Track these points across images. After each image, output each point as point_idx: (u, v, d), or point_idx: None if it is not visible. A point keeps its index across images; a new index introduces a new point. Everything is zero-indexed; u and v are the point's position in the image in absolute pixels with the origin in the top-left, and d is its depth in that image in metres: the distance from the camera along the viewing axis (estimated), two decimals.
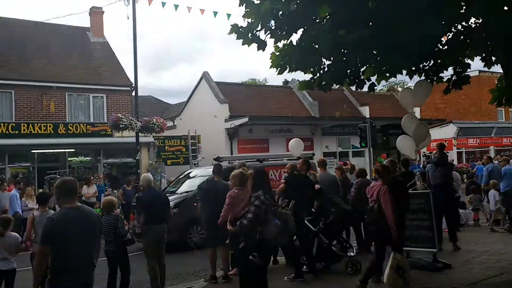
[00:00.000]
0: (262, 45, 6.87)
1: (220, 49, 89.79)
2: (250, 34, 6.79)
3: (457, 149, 32.22)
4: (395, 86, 36.20)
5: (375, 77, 7.46)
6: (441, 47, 7.15)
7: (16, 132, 17.14)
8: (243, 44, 6.83)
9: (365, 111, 26.68)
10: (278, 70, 7.05)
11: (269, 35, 6.77)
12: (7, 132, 16.95)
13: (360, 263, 7.40)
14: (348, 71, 7.26)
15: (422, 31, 6.15)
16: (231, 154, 19.87)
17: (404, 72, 7.55)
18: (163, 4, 16.00)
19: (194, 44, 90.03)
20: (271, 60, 7.07)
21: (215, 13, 15.88)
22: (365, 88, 7.71)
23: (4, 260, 6.25)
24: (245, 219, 5.27)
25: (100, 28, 23.31)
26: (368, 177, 10.16)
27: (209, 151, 20.46)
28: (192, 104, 24.52)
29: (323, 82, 7.19)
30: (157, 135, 18.87)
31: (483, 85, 40.59)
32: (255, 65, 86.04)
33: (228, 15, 15.28)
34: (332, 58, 6.91)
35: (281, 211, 5.35)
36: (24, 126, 17.36)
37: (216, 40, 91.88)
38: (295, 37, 6.80)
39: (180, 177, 13.44)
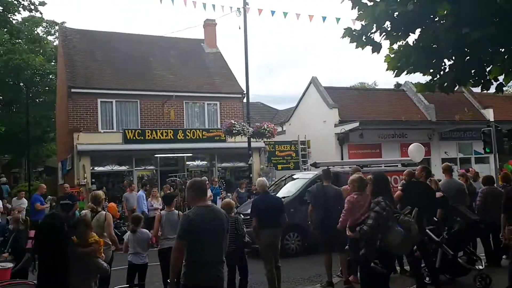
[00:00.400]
0: (376, 48, 6.69)
1: (328, 55, 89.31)
2: (364, 37, 6.66)
3: None
4: None
5: (503, 76, 6.87)
6: None
7: (142, 138, 18.70)
8: (356, 47, 6.72)
9: (489, 114, 24.55)
10: (395, 72, 6.84)
11: (384, 37, 6.58)
12: (134, 138, 18.57)
13: (490, 277, 6.81)
14: (472, 71, 6.76)
15: None
16: (342, 159, 19.57)
17: None
18: (272, 12, 16.43)
19: (303, 50, 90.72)
20: (386, 63, 6.87)
21: (324, 18, 15.86)
22: (492, 89, 7.11)
23: (137, 254, 6.82)
24: (366, 225, 5.14)
25: (213, 39, 24.55)
26: (495, 185, 9.35)
27: (319, 156, 20.35)
28: (301, 109, 24.64)
29: (445, 84, 6.79)
30: (268, 140, 19.29)
31: None
32: (363, 69, 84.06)
33: (338, 19, 15.19)
34: (454, 58, 6.50)
35: (403, 218, 5.11)
36: (148, 132, 18.88)
37: (325, 45, 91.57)
38: (411, 38, 6.53)
39: (280, 180, 13.52)
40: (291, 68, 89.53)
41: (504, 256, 8.41)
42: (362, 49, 6.80)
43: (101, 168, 18.59)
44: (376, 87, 41.70)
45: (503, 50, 6.30)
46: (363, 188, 5.51)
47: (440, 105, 23.56)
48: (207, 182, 16.04)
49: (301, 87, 25.07)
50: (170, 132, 19.19)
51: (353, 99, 23.61)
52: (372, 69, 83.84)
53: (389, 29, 6.46)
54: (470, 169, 17.10)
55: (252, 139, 17.20)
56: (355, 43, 6.74)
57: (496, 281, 6.76)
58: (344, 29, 6.69)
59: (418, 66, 6.44)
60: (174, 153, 19.40)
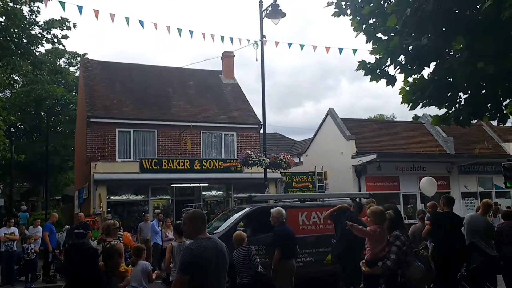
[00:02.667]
0: (391, 81, 6.71)
1: (346, 86, 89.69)
2: (378, 70, 6.70)
3: None
4: None
5: None
6: None
7: (158, 167, 18.80)
8: (371, 80, 6.75)
9: (509, 147, 24.12)
10: (410, 105, 6.81)
11: (399, 70, 6.59)
12: (150, 167, 18.68)
13: None
14: (488, 105, 6.68)
15: None
16: (359, 191, 19.30)
17: None
18: (289, 45, 16.62)
19: (320, 81, 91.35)
20: (401, 95, 6.86)
21: (341, 50, 15.96)
22: (509, 123, 7.01)
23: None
24: (388, 260, 5.02)
25: (231, 71, 24.93)
26: None
27: (336, 188, 20.19)
28: (318, 141, 24.60)
29: (460, 117, 6.72)
30: (284, 171, 19.20)
31: None
32: (382, 100, 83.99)
33: (354, 51, 15.27)
34: (469, 92, 6.45)
35: (423, 253, 4.99)
36: (165, 162, 18.98)
37: (342, 76, 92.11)
38: (426, 72, 6.52)
39: (226, 212, 12.66)
40: (310, 99, 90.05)
41: None
42: (377, 82, 6.83)
43: (117, 197, 18.68)
44: (394, 119, 41.44)
45: None
46: (383, 221, 5.38)
47: (459, 138, 23.28)
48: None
49: (319, 118, 25.12)
50: (187, 162, 19.27)
51: (371, 130, 23.50)
52: (390, 101, 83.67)
53: (403, 62, 6.48)
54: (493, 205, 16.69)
55: (268, 170, 17.13)
56: (369, 76, 6.79)
57: None
58: (359, 62, 6.75)
59: (433, 99, 6.42)
60: (190, 183, 19.42)
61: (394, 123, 25.67)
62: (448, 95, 6.53)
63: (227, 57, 24.81)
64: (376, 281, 5.14)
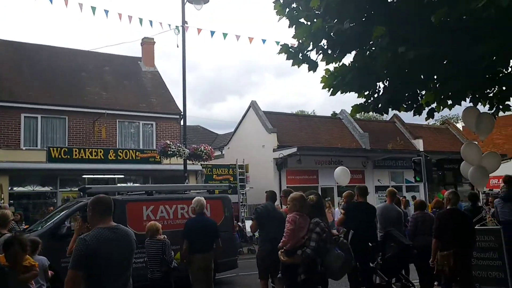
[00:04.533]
0: (313, 66, 6.55)
1: (270, 82, 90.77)
2: (300, 55, 6.50)
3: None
4: (450, 120, 34.68)
5: (435, 104, 6.94)
6: (506, 71, 6.54)
7: (68, 157, 17.47)
8: (293, 65, 6.54)
9: (419, 144, 25.60)
10: (330, 91, 6.70)
11: (321, 56, 6.45)
12: (59, 156, 17.29)
13: None
14: (406, 94, 6.77)
15: (491, 50, 5.61)
16: (280, 184, 19.39)
17: (468, 99, 6.95)
18: (212, 33, 16.14)
19: (244, 76, 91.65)
20: (322, 81, 6.73)
21: (264, 41, 15.82)
22: (424, 115, 7.14)
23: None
24: (308, 248, 4.78)
25: (151, 58, 23.91)
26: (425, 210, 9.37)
27: (258, 181, 20.13)
28: (240, 134, 24.43)
29: (379, 105, 6.74)
30: (205, 163, 18.75)
31: None
32: (303, 98, 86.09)
33: (277, 42, 15.14)
34: (388, 80, 6.46)
35: (342, 241, 4.81)
36: (76, 151, 17.68)
37: (267, 72, 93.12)
38: (348, 59, 6.44)
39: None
40: (234, 94, 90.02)
41: (436, 283, 8.37)
42: (298, 66, 6.65)
43: (21, 189, 17.11)
44: (314, 114, 42.40)
45: (436, 76, 6.34)
46: (305, 208, 5.13)
47: (374, 134, 24.29)
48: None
49: (242, 114, 24.90)
50: (101, 152, 18.11)
51: (292, 124, 23.74)
52: (311, 98, 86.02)
53: (325, 47, 6.33)
54: (402, 198, 17.48)
55: (188, 161, 16.59)
56: (291, 61, 6.58)
57: None
58: (281, 45, 6.49)
59: (353, 85, 6.33)
60: (104, 174, 18.30)
61: (314, 118, 26.20)
62: (368, 82, 6.49)
63: (147, 43, 23.74)
64: (294, 271, 4.90)
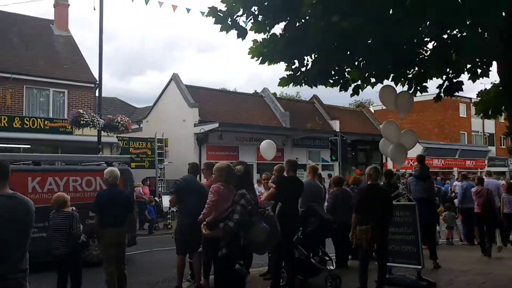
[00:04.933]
0: (242, 33, 6.25)
1: (192, 57, 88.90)
2: (229, 19, 6.18)
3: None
4: (364, 103, 36.28)
5: (359, 82, 7.03)
6: (425, 54, 6.77)
7: None
8: (221, 30, 6.21)
9: (336, 125, 26.50)
10: (260, 59, 6.47)
11: (251, 23, 6.20)
12: None
13: (340, 278, 6.80)
14: (335, 69, 6.75)
15: (413, 32, 5.75)
16: (200, 160, 19.04)
17: (390, 78, 7.11)
18: None
19: (166, 50, 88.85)
20: (250, 51, 6.49)
21: (188, 10, 15.17)
22: (350, 91, 7.20)
23: None
24: (231, 221, 4.55)
25: (65, 22, 22.12)
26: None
27: (177, 156, 19.61)
28: (160, 107, 23.61)
29: (307, 78, 6.66)
30: (121, 135, 17.86)
31: (447, 108, 41.61)
32: (226, 75, 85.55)
33: (202, 13, 14.55)
34: (319, 52, 6.35)
35: (269, 214, 4.64)
36: None
37: (189, 47, 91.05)
38: (278, 29, 6.25)
39: None
40: (155, 68, 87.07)
41: (350, 257, 8.65)
42: (227, 32, 6.32)
43: None
44: (237, 91, 42.31)
45: (361, 53, 6.38)
46: (231, 179, 4.88)
47: (294, 113, 24.70)
48: None
49: (162, 88, 24.03)
50: (4, 119, 16.53)
51: (214, 100, 23.38)
52: (234, 76, 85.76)
53: (256, 13, 6.07)
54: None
55: (103, 133, 15.66)
56: (220, 26, 6.23)
57: (346, 282, 6.77)
58: (209, 8, 6.10)
59: (284, 55, 6.16)
60: (7, 143, 16.71)
61: (237, 94, 26.04)
62: (299, 53, 6.34)
63: (61, 5, 21.92)
64: (216, 244, 4.68)
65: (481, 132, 44.97)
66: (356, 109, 31.66)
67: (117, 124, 15.34)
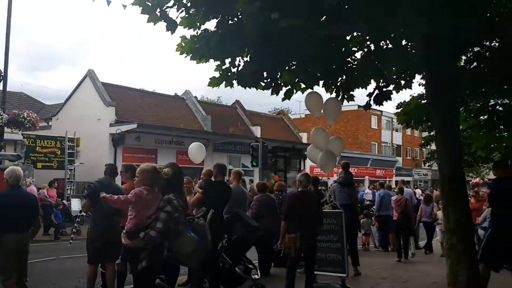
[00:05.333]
0: (171, 26, 5.79)
1: (110, 54, 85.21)
2: (158, 10, 5.71)
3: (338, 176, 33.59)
4: (285, 111, 36.91)
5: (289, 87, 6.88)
6: (354, 62, 6.80)
7: None
8: (148, 21, 5.70)
9: (257, 131, 26.53)
10: (190, 56, 6.06)
11: (182, 14, 5.77)
12: None
13: (264, 286, 6.54)
14: (266, 73, 6.52)
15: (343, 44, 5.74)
16: (115, 161, 17.95)
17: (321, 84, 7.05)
18: None
19: (81, 46, 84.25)
20: (179, 46, 6.06)
21: (109, 2, 14.18)
22: (281, 95, 7.01)
23: None
24: (153, 229, 4.05)
25: None
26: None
27: (89, 157, 18.38)
28: (72, 105, 22.04)
29: (238, 79, 6.37)
30: (27, 132, 16.35)
31: (361, 119, 43.74)
32: (146, 74, 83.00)
33: (124, 6, 13.67)
34: (253, 52, 6.08)
35: (198, 222, 4.19)
36: None
37: (107, 43, 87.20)
38: (211, 25, 5.89)
39: None
40: (67, 64, 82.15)
41: (272, 264, 8.45)
42: (154, 24, 5.83)
43: None
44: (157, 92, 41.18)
45: (294, 62, 6.25)
46: (157, 183, 4.37)
47: (216, 117, 24.34)
48: None
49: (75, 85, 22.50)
50: None
51: (133, 99, 22.36)
52: (152, 75, 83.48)
53: (189, 5, 5.65)
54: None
55: (6, 129, 14.18)
56: (147, 16, 5.74)
57: None
58: None
59: (218, 52, 5.78)
60: None
61: (157, 95, 25.06)
62: (234, 50, 6.00)
63: None
64: (136, 256, 4.16)
65: (389, 143, 47.80)
66: (277, 116, 32.06)
67: (23, 120, 13.97)
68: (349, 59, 6.80)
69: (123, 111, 20.56)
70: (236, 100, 27.87)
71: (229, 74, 6.15)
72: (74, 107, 21.62)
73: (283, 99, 7.11)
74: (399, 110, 9.73)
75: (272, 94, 6.88)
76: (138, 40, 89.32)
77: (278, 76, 6.73)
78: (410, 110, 8.42)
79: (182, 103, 24.91)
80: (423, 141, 14.69)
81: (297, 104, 59.62)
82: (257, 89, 6.85)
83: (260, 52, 5.78)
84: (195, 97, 26.84)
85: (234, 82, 6.50)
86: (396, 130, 48.17)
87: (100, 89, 20.60)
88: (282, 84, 6.84)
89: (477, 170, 46.69)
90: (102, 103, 20.12)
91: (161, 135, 20.90)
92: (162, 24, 5.83)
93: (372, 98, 6.90)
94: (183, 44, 6.12)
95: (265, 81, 6.65)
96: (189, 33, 6.05)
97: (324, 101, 7.01)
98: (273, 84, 6.74)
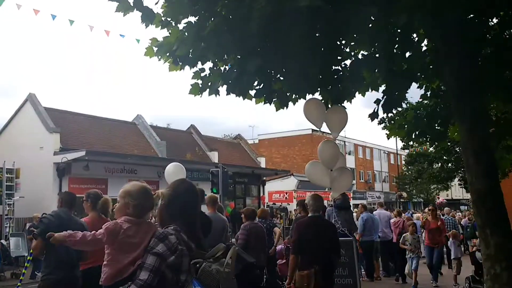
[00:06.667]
0: (148, 17, 4.79)
1: (53, 79, 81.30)
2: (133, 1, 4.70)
3: (297, 201, 32.77)
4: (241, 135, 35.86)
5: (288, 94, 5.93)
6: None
7: None
8: (117, 10, 4.80)
9: (214, 156, 25.26)
10: (165, 60, 5.17)
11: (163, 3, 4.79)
12: None
13: None
14: (255, 82, 5.53)
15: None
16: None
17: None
18: None
19: (20, 69, 79.86)
20: (147, 54, 5.13)
21: (54, 16, 12.71)
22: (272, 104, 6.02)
23: None
24: (135, 283, 2.73)
25: None
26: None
27: (31, 190, 16.39)
28: (10, 132, 19.91)
29: (218, 85, 5.40)
30: None
31: (315, 142, 43.57)
32: (93, 99, 79.70)
33: (71, 22, 12.26)
34: (244, 54, 5.08)
35: (207, 268, 2.79)
36: None
37: (47, 61, 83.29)
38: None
39: None
40: (3, 89, 77.36)
41: None
42: (124, 14, 4.80)
43: None
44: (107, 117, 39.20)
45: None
46: (148, 209, 3.09)
47: (171, 143, 22.94)
48: None
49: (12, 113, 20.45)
50: None
51: (79, 125, 20.56)
52: (100, 100, 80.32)
53: None
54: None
55: None
56: (117, 5, 4.65)
57: None
58: None
59: (208, 52, 4.75)
60: None
61: (107, 120, 23.22)
62: (222, 51, 5.04)
63: None
64: None
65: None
66: (234, 141, 30.94)
67: None
68: (344, 63, 5.96)
69: (69, 138, 18.74)
70: (191, 124, 26.57)
71: (210, 82, 5.14)
72: (12, 135, 19.51)
73: (277, 109, 6.13)
74: (383, 124, 8.96)
75: (265, 103, 5.88)
76: (85, 61, 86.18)
77: (271, 83, 5.76)
78: (407, 122, 7.58)
79: (134, 128, 23.29)
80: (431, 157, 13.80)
81: (249, 130, 59.02)
82: (243, 99, 5.83)
83: (256, 52, 4.75)
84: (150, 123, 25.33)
85: (221, 89, 5.56)
86: (349, 153, 48.43)
87: (42, 114, 18.71)
88: (275, 92, 5.89)
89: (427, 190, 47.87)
90: (45, 130, 18.23)
91: (112, 163, 19.17)
92: (136, 14, 4.77)
93: (380, 105, 5.97)
94: (155, 48, 5.15)
95: (257, 87, 5.69)
96: (161, 34, 5.13)
97: (326, 110, 5.99)
98: (265, 91, 5.76)
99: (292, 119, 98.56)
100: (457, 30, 4.92)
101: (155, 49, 5.24)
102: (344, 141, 46.73)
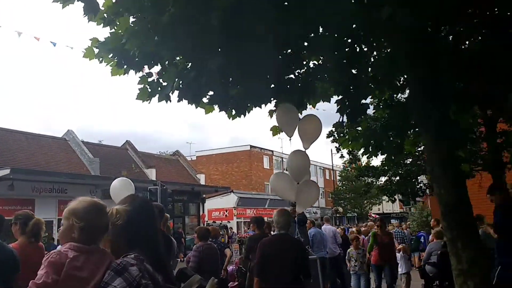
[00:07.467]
0: (91, 7, 4.20)
1: None
2: None
3: (237, 218, 32.31)
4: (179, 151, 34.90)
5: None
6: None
7: None
8: (55, 0, 4.06)
9: (152, 174, 24.19)
10: (108, 61, 4.65)
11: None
12: None
13: None
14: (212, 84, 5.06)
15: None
16: None
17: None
18: None
19: None
20: (88, 51, 4.61)
21: (20, 34, 11.13)
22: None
23: None
24: None
25: None
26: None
27: None
28: None
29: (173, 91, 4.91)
30: None
31: (253, 159, 43.45)
32: (16, 113, 74.65)
33: (54, 44, 10.85)
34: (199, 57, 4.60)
35: None
36: None
37: None
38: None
39: None
40: None
41: None
42: (63, 6, 4.16)
43: None
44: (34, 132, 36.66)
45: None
46: (101, 232, 2.41)
47: (105, 160, 21.69)
48: None
49: None
50: None
51: (2, 140, 18.80)
52: (27, 114, 75.36)
53: None
54: None
55: None
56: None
57: None
58: None
59: (165, 46, 4.20)
60: None
61: (33, 135, 21.49)
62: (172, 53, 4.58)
63: None
64: None
65: None
66: (172, 158, 29.92)
67: None
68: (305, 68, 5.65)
69: None
70: (127, 140, 25.36)
71: (160, 87, 4.60)
72: None
73: (233, 118, 5.67)
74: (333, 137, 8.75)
75: (220, 110, 5.40)
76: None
77: (228, 89, 5.29)
78: (361, 134, 7.37)
79: (64, 144, 21.77)
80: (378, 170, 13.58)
81: (186, 146, 57.80)
82: (196, 107, 5.34)
83: (217, 50, 4.26)
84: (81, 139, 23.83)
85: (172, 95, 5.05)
86: (286, 169, 48.66)
87: None
88: (231, 98, 5.42)
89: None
90: None
91: (39, 182, 17.63)
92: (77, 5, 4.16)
93: (345, 115, 5.65)
94: (96, 49, 4.57)
95: (210, 94, 5.23)
96: (102, 34, 4.50)
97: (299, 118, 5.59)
98: (221, 97, 5.28)
99: (228, 135, 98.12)
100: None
101: (96, 50, 4.66)
102: (282, 158, 47.00)
